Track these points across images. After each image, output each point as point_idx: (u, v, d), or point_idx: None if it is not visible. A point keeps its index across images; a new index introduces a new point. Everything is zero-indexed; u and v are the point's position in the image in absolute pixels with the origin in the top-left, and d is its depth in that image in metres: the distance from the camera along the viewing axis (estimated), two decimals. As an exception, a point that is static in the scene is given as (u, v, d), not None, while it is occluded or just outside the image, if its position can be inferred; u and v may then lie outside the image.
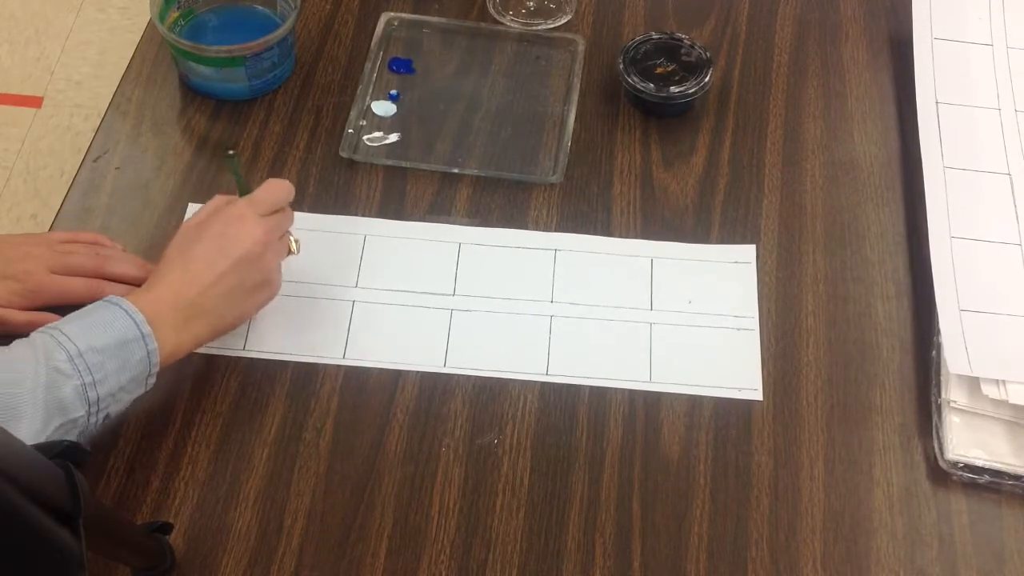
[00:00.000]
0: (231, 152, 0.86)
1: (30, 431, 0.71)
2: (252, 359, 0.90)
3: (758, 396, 0.89)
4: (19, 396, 0.71)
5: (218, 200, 0.86)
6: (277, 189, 0.87)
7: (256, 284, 0.85)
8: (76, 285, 0.87)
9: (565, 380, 0.89)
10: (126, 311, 0.77)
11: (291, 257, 0.90)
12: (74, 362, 0.73)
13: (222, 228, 0.83)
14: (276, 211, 0.87)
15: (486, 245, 0.97)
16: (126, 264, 0.90)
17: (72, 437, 0.74)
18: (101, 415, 0.76)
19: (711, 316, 0.93)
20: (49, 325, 0.76)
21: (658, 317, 0.93)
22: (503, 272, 0.96)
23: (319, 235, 0.97)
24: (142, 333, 0.76)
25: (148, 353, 0.77)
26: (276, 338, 0.91)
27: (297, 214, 0.97)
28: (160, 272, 0.82)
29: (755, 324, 0.93)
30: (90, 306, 0.78)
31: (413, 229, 0.98)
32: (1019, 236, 0.96)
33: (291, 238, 0.90)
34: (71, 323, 0.76)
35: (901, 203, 1.01)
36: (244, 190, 0.87)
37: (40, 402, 0.71)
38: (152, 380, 0.79)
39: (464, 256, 0.96)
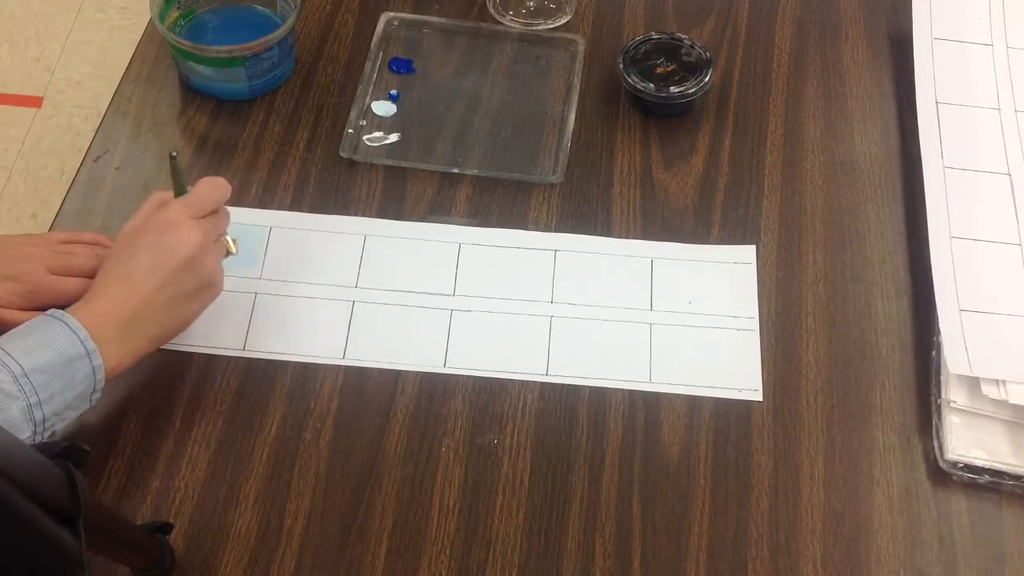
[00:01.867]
0: (173, 154, 0.84)
1: None
2: (252, 359, 0.90)
3: (758, 397, 0.89)
4: None
5: (154, 200, 0.85)
6: (213, 189, 0.85)
7: (196, 289, 0.83)
8: (75, 285, 0.87)
9: (565, 380, 0.89)
10: (70, 327, 0.75)
11: (292, 257, 0.90)
12: (19, 383, 0.71)
13: (158, 236, 0.81)
14: (212, 212, 0.85)
15: (486, 245, 0.97)
16: None
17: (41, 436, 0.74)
18: (47, 434, 0.74)
19: (711, 316, 0.93)
20: None
21: (658, 318, 0.93)
22: (503, 272, 0.96)
23: (319, 235, 0.97)
24: (87, 349, 0.75)
25: (93, 369, 0.75)
26: (276, 338, 0.91)
27: (297, 214, 0.97)
28: (99, 285, 0.80)
29: (755, 325, 0.93)
30: (33, 321, 0.76)
31: (413, 229, 0.98)
32: (1019, 236, 0.96)
33: (228, 238, 0.88)
34: (15, 341, 0.74)
35: (901, 203, 1.01)
36: (180, 191, 0.86)
37: None
38: (97, 396, 0.77)
39: (464, 256, 0.96)
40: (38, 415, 0.72)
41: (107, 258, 0.83)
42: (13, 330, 0.76)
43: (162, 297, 0.81)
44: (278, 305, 0.93)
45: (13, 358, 0.72)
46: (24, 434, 0.72)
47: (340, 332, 0.92)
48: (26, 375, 0.72)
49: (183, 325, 0.85)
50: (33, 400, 0.72)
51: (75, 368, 0.75)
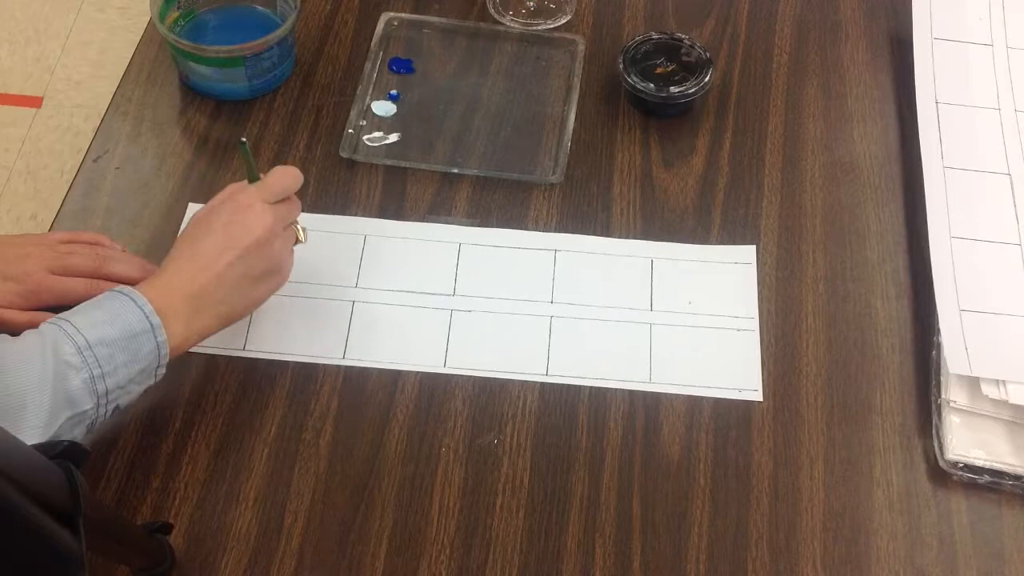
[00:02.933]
0: (243, 140, 0.85)
1: (37, 423, 0.71)
2: (252, 359, 0.90)
3: (758, 397, 0.89)
4: (26, 388, 0.71)
5: (229, 189, 0.86)
6: (286, 177, 0.87)
7: (264, 272, 0.84)
8: (76, 286, 0.87)
9: (565, 380, 0.89)
10: (135, 302, 0.76)
11: (293, 255, 0.90)
12: (83, 355, 0.73)
13: (230, 216, 0.82)
14: (284, 199, 0.86)
15: (486, 245, 0.97)
16: (126, 264, 0.90)
17: (81, 429, 0.74)
18: (111, 407, 0.75)
19: (711, 317, 0.93)
20: (58, 316, 0.76)
21: (658, 318, 0.93)
22: (503, 272, 0.96)
23: (319, 235, 0.97)
24: (151, 325, 0.76)
25: (157, 345, 0.77)
26: (276, 338, 0.91)
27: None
28: (169, 261, 0.82)
29: (755, 325, 0.93)
30: (99, 297, 0.77)
31: (413, 229, 0.98)
32: (1019, 236, 0.96)
33: (299, 226, 0.89)
34: (80, 314, 0.76)
35: (901, 203, 1.01)
36: (254, 178, 0.87)
37: (48, 394, 0.71)
38: (162, 371, 0.79)
39: (464, 256, 0.96)
40: (100, 387, 0.74)
41: (180, 238, 0.83)
42: (80, 305, 0.77)
43: (231, 276, 0.81)
44: (278, 305, 0.93)
45: (78, 330, 0.73)
46: (87, 406, 0.73)
47: (340, 332, 0.92)
48: (90, 347, 0.73)
49: (250, 307, 0.85)
50: (96, 372, 0.73)
51: (139, 343, 0.75)
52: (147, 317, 0.76)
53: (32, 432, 0.71)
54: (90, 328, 0.74)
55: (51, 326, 0.75)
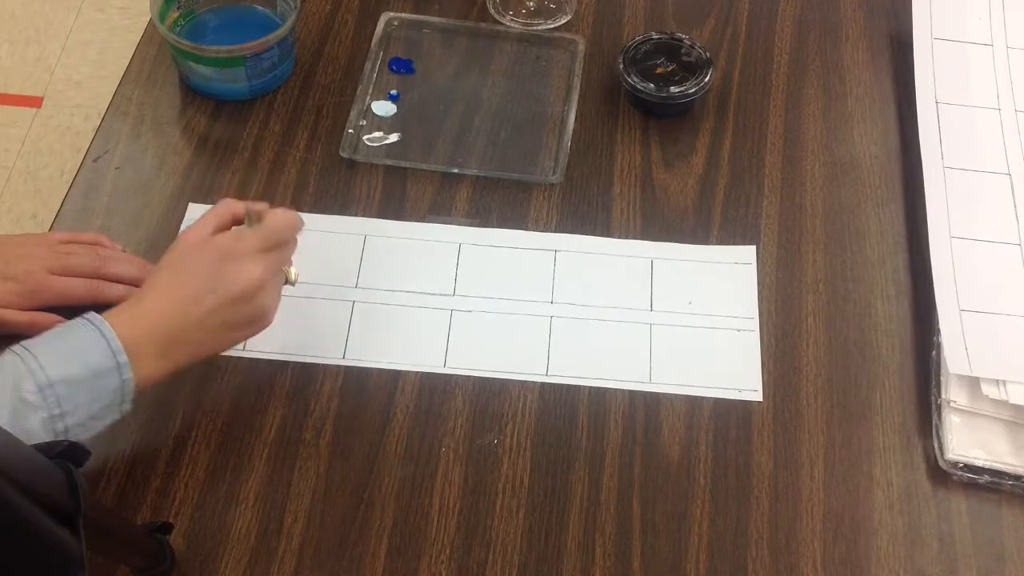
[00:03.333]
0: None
1: None
2: (252, 359, 0.90)
3: (758, 397, 0.89)
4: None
5: (221, 210, 0.82)
6: (287, 223, 0.83)
7: (246, 320, 0.81)
8: (75, 286, 0.87)
9: (565, 381, 0.89)
10: (104, 337, 0.73)
11: (294, 257, 0.90)
12: (43, 393, 0.70)
13: (219, 263, 0.78)
14: (280, 244, 0.82)
15: (486, 245, 0.97)
16: (125, 264, 0.90)
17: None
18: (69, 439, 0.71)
19: (711, 317, 0.93)
20: (23, 344, 0.72)
21: (658, 318, 0.93)
22: (503, 273, 0.96)
23: (319, 235, 0.97)
24: (118, 363, 0.73)
25: (122, 383, 0.73)
26: (276, 338, 0.91)
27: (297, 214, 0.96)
28: (148, 292, 0.78)
29: (755, 325, 0.93)
30: (68, 325, 0.75)
31: (413, 229, 0.98)
32: (1019, 236, 0.96)
33: (291, 268, 0.85)
34: (45, 346, 0.72)
35: (901, 203, 1.01)
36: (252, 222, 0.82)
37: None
38: (127, 407, 0.75)
39: (464, 256, 0.96)
40: (59, 427, 0.71)
41: (161, 266, 0.80)
42: (47, 334, 0.74)
43: (210, 323, 0.78)
44: (279, 305, 0.92)
45: (41, 366, 0.71)
46: (43, 440, 0.69)
47: (340, 332, 0.92)
48: (51, 385, 0.70)
49: (226, 348, 0.82)
50: (55, 412, 0.70)
51: (104, 381, 0.73)
52: (114, 355, 0.73)
53: None
54: (53, 365, 0.71)
55: (13, 357, 0.71)
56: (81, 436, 0.73)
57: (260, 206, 0.83)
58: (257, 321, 0.81)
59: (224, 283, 0.78)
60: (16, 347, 0.72)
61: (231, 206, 0.83)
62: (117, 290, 0.88)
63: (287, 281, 0.85)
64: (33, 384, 0.70)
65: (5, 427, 0.62)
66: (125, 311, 0.77)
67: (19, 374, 0.70)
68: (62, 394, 0.71)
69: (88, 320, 0.75)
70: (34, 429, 0.69)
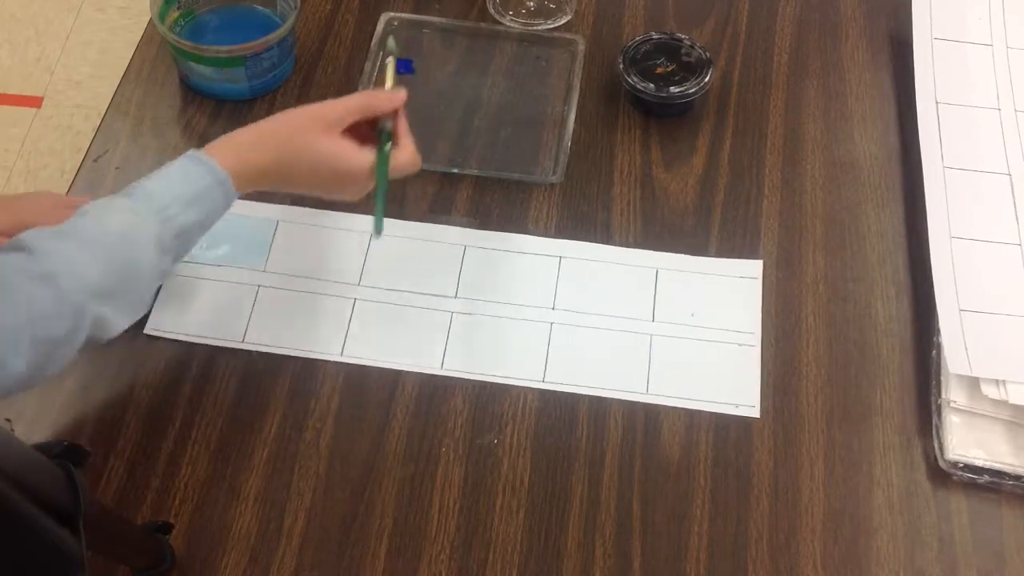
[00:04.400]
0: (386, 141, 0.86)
1: (143, 301, 0.76)
2: (252, 357, 0.90)
3: (755, 413, 0.88)
4: (140, 276, 0.74)
5: (369, 107, 0.85)
6: (410, 166, 0.86)
7: (335, 199, 0.87)
8: None
9: (561, 388, 0.89)
10: (220, 188, 0.78)
11: (297, 251, 0.90)
12: (177, 240, 0.76)
13: (335, 181, 0.84)
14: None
15: (490, 249, 0.97)
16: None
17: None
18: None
19: (713, 330, 0.93)
20: (148, 191, 0.77)
21: (659, 329, 0.93)
22: (506, 277, 0.95)
23: (325, 231, 0.97)
24: (227, 203, 0.80)
25: (223, 214, 0.80)
26: (275, 332, 0.91)
27: (302, 210, 0.98)
28: (257, 147, 0.82)
29: (757, 340, 0.92)
30: (186, 169, 0.78)
31: (418, 230, 0.98)
32: (1019, 236, 0.96)
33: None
34: (172, 195, 0.77)
35: (901, 203, 1.01)
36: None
37: (152, 278, 0.76)
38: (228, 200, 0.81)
39: (468, 259, 0.96)
40: (180, 255, 0.78)
41: (278, 131, 0.83)
42: (166, 175, 0.78)
43: (302, 188, 0.85)
44: (280, 298, 0.93)
45: (175, 215, 0.76)
46: (166, 278, 0.79)
47: (339, 328, 0.92)
48: (184, 232, 0.77)
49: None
50: (181, 252, 0.78)
51: (213, 208, 0.79)
52: (227, 197, 0.79)
53: (136, 313, 0.76)
54: (182, 211, 0.77)
55: (146, 202, 0.76)
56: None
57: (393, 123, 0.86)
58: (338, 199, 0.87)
59: (329, 193, 0.86)
60: (144, 190, 0.77)
61: (363, 108, 0.85)
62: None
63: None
64: (171, 233, 0.76)
65: (151, 273, 0.75)
66: (230, 158, 0.80)
67: (159, 231, 0.75)
68: (191, 235, 0.78)
69: (205, 167, 0.79)
70: (168, 268, 0.77)
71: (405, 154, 0.86)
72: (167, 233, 0.76)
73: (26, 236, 0.71)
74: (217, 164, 0.79)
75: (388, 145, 0.85)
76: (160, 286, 0.86)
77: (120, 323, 0.74)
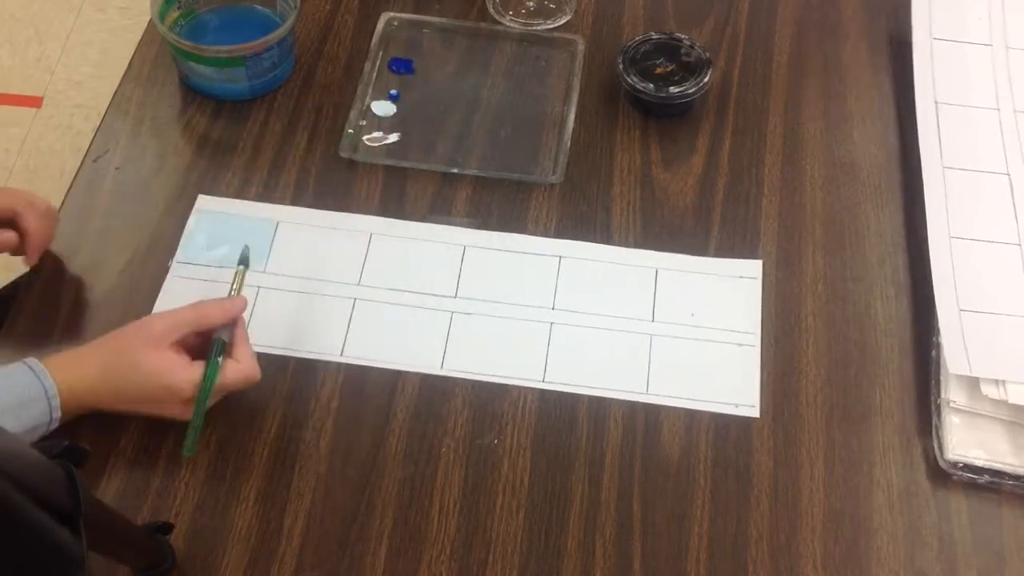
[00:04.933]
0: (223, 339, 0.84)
1: None
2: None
3: (754, 413, 0.88)
4: None
5: (196, 321, 0.83)
6: (237, 382, 0.84)
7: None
8: None
9: (561, 388, 0.89)
10: (47, 395, 0.78)
11: (297, 252, 0.89)
12: None
13: (161, 391, 0.81)
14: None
15: (490, 249, 0.97)
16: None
17: None
18: None
19: (713, 330, 0.93)
20: None
21: (659, 329, 0.93)
22: (506, 277, 0.95)
23: (325, 231, 0.97)
24: (50, 419, 0.78)
25: (46, 419, 0.79)
26: (275, 332, 0.91)
27: (304, 209, 0.98)
28: (87, 366, 0.81)
29: (756, 340, 0.92)
30: (11, 376, 0.78)
31: (418, 230, 0.98)
32: (1019, 236, 0.96)
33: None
34: None
35: (901, 203, 1.01)
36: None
37: None
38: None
39: (468, 259, 0.96)
40: None
41: (113, 347, 0.82)
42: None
43: (132, 406, 0.84)
44: (280, 298, 0.93)
45: None
46: None
47: (339, 329, 0.92)
48: None
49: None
50: None
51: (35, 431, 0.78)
52: (49, 403, 0.78)
53: None
54: None
55: None
56: None
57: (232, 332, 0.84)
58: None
59: (160, 409, 0.83)
60: None
61: (204, 319, 0.83)
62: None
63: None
64: None
65: None
66: (64, 369, 0.80)
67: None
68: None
69: (32, 370, 0.78)
70: None
71: (239, 367, 0.83)
72: None
73: None
74: (50, 375, 0.78)
75: (220, 358, 0.82)
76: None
77: None
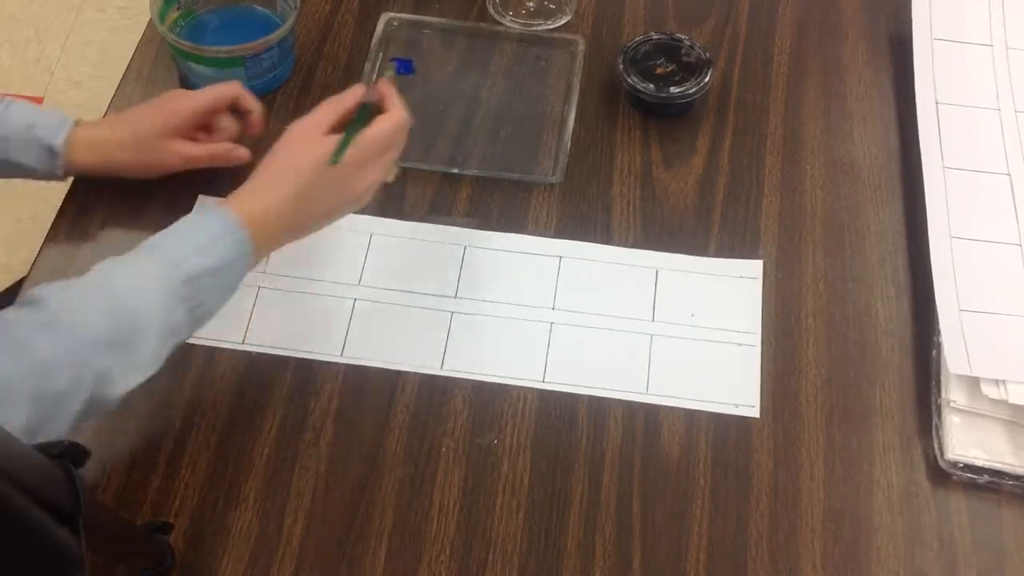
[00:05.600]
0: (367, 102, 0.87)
1: (150, 357, 0.73)
2: (252, 357, 0.90)
3: (755, 413, 0.88)
4: (144, 326, 0.72)
5: (338, 106, 0.86)
6: (397, 127, 0.87)
7: (347, 213, 0.87)
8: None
9: (561, 388, 0.89)
10: (233, 233, 0.78)
11: (297, 251, 0.89)
12: (189, 286, 0.75)
13: (346, 171, 0.83)
14: (390, 147, 0.87)
15: (490, 249, 0.97)
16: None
17: (173, 351, 0.76)
18: (199, 327, 0.78)
19: (713, 330, 0.93)
20: (161, 239, 0.77)
21: (659, 329, 0.93)
22: (506, 277, 0.95)
23: (325, 231, 0.97)
24: (244, 253, 0.78)
25: (245, 267, 0.79)
26: (275, 332, 0.91)
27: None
28: (272, 184, 0.82)
29: (757, 340, 0.92)
30: (194, 220, 0.79)
31: (418, 230, 0.98)
32: (1019, 236, 0.96)
33: (393, 168, 0.89)
34: (182, 243, 0.77)
35: (901, 203, 1.01)
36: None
37: (160, 329, 0.73)
38: (234, 293, 0.80)
39: (468, 259, 0.96)
40: (197, 314, 0.76)
41: (280, 161, 0.83)
42: (180, 225, 0.78)
43: (322, 219, 0.85)
44: (280, 299, 0.93)
45: (183, 261, 0.75)
46: (185, 334, 0.76)
47: (339, 329, 0.92)
48: (196, 279, 0.75)
49: (314, 232, 0.87)
50: (197, 303, 0.76)
51: (234, 270, 0.78)
52: (241, 245, 0.78)
53: (144, 371, 0.73)
54: (192, 260, 0.75)
55: (154, 253, 0.76)
56: (206, 322, 0.78)
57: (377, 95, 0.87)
58: (352, 211, 0.87)
59: (343, 190, 0.84)
60: (154, 242, 0.77)
61: (344, 102, 0.86)
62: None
63: (385, 181, 0.89)
64: (180, 280, 0.74)
65: (159, 324, 0.72)
66: (248, 202, 0.81)
67: (167, 276, 0.74)
68: (204, 285, 0.76)
69: (215, 214, 0.79)
70: (181, 321, 0.75)
71: (390, 114, 0.86)
72: (176, 278, 0.74)
73: (36, 289, 0.71)
74: (231, 210, 0.79)
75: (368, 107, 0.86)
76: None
77: (126, 381, 0.72)
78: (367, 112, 0.85)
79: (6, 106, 0.90)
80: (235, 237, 0.78)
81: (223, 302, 0.79)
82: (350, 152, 0.83)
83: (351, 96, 0.86)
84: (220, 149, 0.96)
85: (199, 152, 0.95)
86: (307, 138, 0.83)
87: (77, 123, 0.92)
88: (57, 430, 0.68)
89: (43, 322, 0.69)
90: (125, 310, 0.72)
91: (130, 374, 0.72)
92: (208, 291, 0.76)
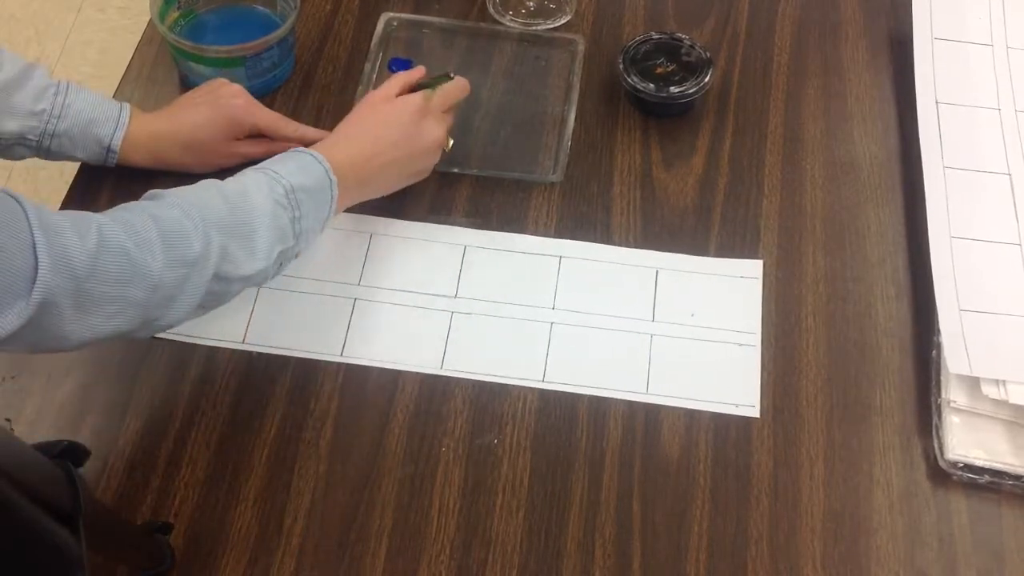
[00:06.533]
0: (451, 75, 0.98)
1: (265, 247, 0.79)
2: (252, 357, 0.90)
3: (755, 413, 0.88)
4: (257, 218, 0.79)
5: (405, 76, 0.96)
6: (461, 88, 0.98)
7: (414, 172, 0.95)
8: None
9: (561, 388, 0.89)
10: (321, 164, 0.85)
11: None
12: (288, 197, 0.82)
13: (411, 120, 0.92)
14: (453, 107, 0.97)
15: (491, 249, 0.97)
16: None
17: (281, 269, 0.84)
18: (298, 249, 0.84)
19: (713, 330, 0.93)
20: (258, 167, 0.84)
21: (659, 329, 0.93)
22: (506, 276, 0.95)
23: (325, 231, 0.97)
24: (331, 181, 0.85)
25: (331, 199, 0.86)
26: (275, 332, 0.91)
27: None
28: (350, 134, 0.90)
29: (757, 340, 0.92)
30: (286, 154, 0.86)
31: (419, 230, 0.98)
32: (1019, 236, 0.96)
33: (449, 138, 0.97)
34: (279, 164, 0.84)
35: (901, 203, 1.01)
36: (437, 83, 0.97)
37: (270, 226, 0.80)
38: (323, 228, 0.87)
39: (468, 259, 0.96)
40: (298, 228, 0.83)
41: (353, 119, 0.92)
42: (273, 159, 0.85)
43: (393, 170, 0.92)
44: (280, 298, 0.93)
45: (280, 175, 0.82)
46: (290, 243, 0.82)
47: (339, 329, 0.92)
48: (293, 191, 0.82)
49: (383, 194, 0.95)
50: (296, 214, 0.82)
51: (322, 195, 0.85)
52: (328, 175, 0.85)
53: (259, 259, 0.79)
54: (289, 175, 0.83)
55: (258, 173, 0.82)
56: (302, 247, 0.85)
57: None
58: (420, 174, 0.96)
59: (414, 138, 0.92)
60: (257, 167, 0.84)
61: (412, 75, 0.97)
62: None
63: (443, 150, 0.97)
64: (281, 188, 0.82)
65: (269, 223, 0.80)
66: (330, 146, 0.89)
67: (269, 183, 0.81)
68: (300, 199, 0.82)
69: (300, 151, 0.86)
70: (286, 227, 0.82)
71: (459, 79, 0.98)
72: (278, 187, 0.81)
73: (151, 191, 0.79)
74: (319, 152, 0.86)
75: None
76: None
77: (244, 267, 0.78)
78: (441, 79, 0.97)
79: (65, 95, 0.93)
80: (325, 168, 0.85)
81: (318, 226, 0.85)
82: (435, 100, 0.94)
83: (416, 72, 0.97)
84: (280, 149, 0.97)
85: (260, 151, 0.97)
86: (381, 99, 0.93)
87: (132, 116, 0.95)
88: (190, 301, 0.76)
89: (170, 203, 0.77)
90: (238, 203, 0.79)
91: (248, 260, 0.79)
92: (306, 205, 0.83)
